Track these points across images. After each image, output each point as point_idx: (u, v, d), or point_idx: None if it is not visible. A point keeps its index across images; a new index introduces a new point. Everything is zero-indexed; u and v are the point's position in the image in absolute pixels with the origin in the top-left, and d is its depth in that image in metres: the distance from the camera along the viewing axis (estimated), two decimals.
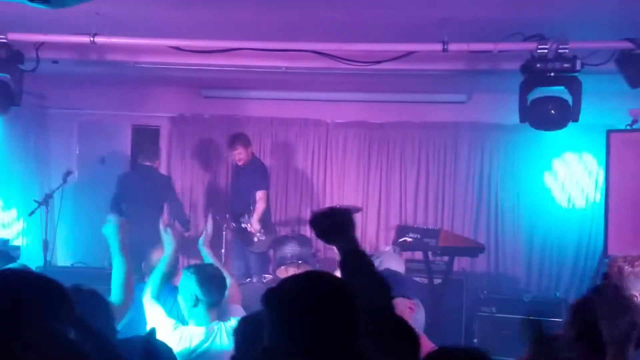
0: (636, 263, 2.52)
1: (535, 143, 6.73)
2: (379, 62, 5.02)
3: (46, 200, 6.39)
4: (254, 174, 6.67)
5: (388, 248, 6.44)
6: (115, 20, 4.64)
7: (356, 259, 1.89)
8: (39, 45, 4.96)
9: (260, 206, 6.50)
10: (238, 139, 6.67)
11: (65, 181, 6.54)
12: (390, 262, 4.77)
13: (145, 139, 7.59)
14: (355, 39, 4.79)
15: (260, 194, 6.54)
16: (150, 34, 4.83)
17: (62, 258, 7.38)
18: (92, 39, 4.72)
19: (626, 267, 2.53)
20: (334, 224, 2.10)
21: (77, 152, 7.53)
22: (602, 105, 6.04)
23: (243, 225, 6.51)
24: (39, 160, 7.27)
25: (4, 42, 4.71)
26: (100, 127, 7.36)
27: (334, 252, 6.11)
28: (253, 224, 6.41)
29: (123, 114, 7.49)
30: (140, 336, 2.48)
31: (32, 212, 6.39)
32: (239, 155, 6.62)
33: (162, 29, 4.85)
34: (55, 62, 5.36)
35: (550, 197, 7.01)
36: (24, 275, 1.68)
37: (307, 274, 1.64)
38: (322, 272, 1.65)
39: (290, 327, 1.46)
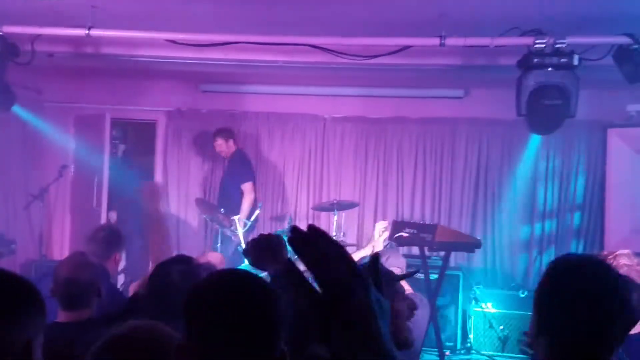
0: (609, 257, 2.52)
1: (532, 139, 6.72)
2: (376, 56, 5.00)
3: (42, 194, 6.39)
4: (234, 167, 6.70)
5: (386, 243, 6.44)
6: (112, 13, 4.62)
7: (284, 281, 1.84)
8: (34, 38, 4.92)
9: (246, 200, 6.48)
10: (218, 131, 6.74)
11: (61, 175, 6.53)
12: (398, 258, 4.76)
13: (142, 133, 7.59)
14: (352, 33, 4.77)
15: (245, 187, 6.54)
16: (146, 27, 4.81)
17: (58, 252, 7.36)
18: (87, 31, 4.68)
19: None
20: (265, 251, 2.14)
21: (73, 145, 7.50)
22: (600, 101, 6.03)
23: (228, 234, 6.49)
24: (34, 153, 7.24)
25: None
26: (95, 120, 7.32)
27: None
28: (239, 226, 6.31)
29: (119, 108, 7.46)
30: None
31: (28, 206, 6.38)
32: (219, 147, 6.71)
33: (158, 22, 4.83)
34: (50, 55, 5.33)
35: (547, 193, 7.00)
36: None
37: (228, 273, 1.58)
38: (240, 271, 1.59)
39: (207, 328, 1.40)
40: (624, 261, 2.48)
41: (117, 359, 1.61)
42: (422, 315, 3.64)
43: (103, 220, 6.75)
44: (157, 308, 2.44)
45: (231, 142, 6.75)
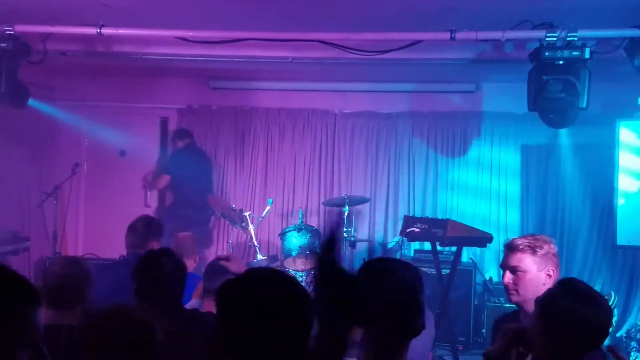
0: (528, 238, 2.70)
1: (544, 132, 6.68)
2: (386, 51, 4.99)
3: (55, 192, 6.44)
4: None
5: (396, 239, 6.44)
6: (122, 12, 4.65)
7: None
8: (46, 37, 4.96)
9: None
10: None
11: (74, 173, 6.58)
12: None
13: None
14: (362, 28, 4.76)
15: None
16: (157, 25, 4.83)
17: (72, 249, 7.43)
18: (99, 30, 4.72)
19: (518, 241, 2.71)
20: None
21: (86, 143, 7.55)
22: (611, 93, 5.98)
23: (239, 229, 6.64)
24: (47, 151, 7.30)
25: (11, 34, 4.71)
26: (108, 118, 7.37)
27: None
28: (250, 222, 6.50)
29: (131, 106, 7.50)
30: None
31: (41, 203, 6.43)
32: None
33: (168, 20, 4.85)
34: (63, 54, 5.37)
35: (560, 187, 6.97)
36: None
37: (267, 273, 1.63)
38: (275, 270, 1.65)
39: (241, 321, 1.47)
40: (526, 241, 2.67)
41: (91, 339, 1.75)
42: (429, 327, 3.63)
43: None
44: (153, 296, 2.69)
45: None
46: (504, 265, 2.76)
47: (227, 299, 1.52)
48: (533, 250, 2.66)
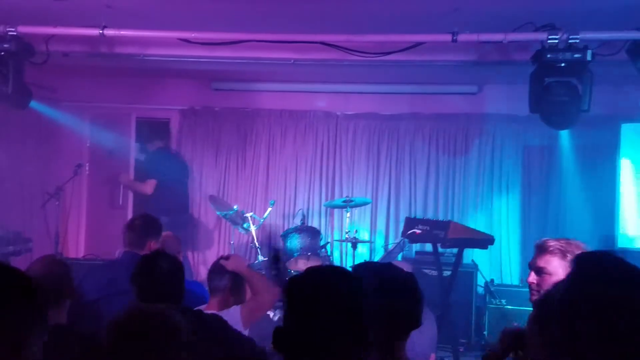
0: (562, 242, 2.62)
1: (546, 134, 6.69)
2: (388, 53, 5.00)
3: (57, 193, 6.45)
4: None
5: (398, 240, 6.44)
6: (125, 13, 4.66)
7: None
8: (48, 38, 4.97)
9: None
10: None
11: (76, 174, 6.59)
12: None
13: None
14: (364, 30, 4.77)
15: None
16: (159, 26, 4.84)
17: (74, 250, 7.44)
18: (101, 31, 4.73)
19: (550, 242, 2.64)
20: None
21: (88, 144, 7.56)
22: (614, 96, 5.98)
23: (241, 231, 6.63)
24: (50, 152, 7.32)
25: (13, 35, 4.72)
26: (110, 119, 7.38)
27: (344, 246, 6.08)
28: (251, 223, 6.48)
29: (133, 107, 7.51)
30: None
31: (44, 204, 6.44)
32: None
33: (171, 21, 4.86)
34: (65, 55, 5.38)
35: (562, 189, 6.96)
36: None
37: (330, 268, 1.81)
38: (341, 268, 1.79)
39: (305, 315, 1.61)
40: (557, 245, 2.59)
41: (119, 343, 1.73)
42: (428, 327, 3.64)
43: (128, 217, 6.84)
44: (154, 298, 2.70)
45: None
46: (532, 265, 2.70)
47: (292, 294, 1.66)
48: (563, 254, 2.60)
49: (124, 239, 3.78)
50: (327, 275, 1.70)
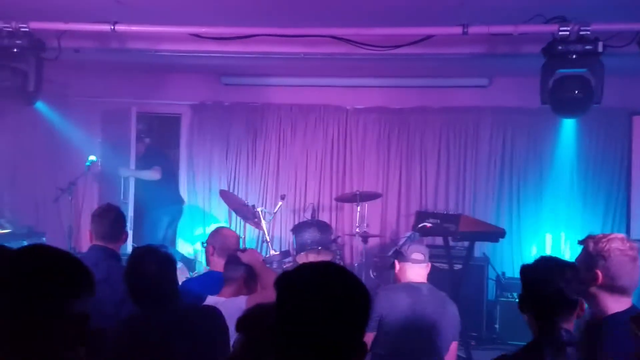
0: (603, 240, 2.51)
1: (557, 127, 6.66)
2: (397, 46, 4.99)
3: (69, 188, 6.50)
4: None
5: (409, 234, 6.43)
6: (136, 8, 4.68)
7: None
8: (60, 34, 5.00)
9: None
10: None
11: (88, 169, 6.64)
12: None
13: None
14: (373, 23, 4.76)
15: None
16: (169, 21, 4.86)
17: (86, 245, 7.47)
18: (112, 27, 4.74)
19: (591, 244, 2.54)
20: None
21: (100, 140, 7.62)
22: (625, 88, 5.94)
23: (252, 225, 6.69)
24: (63, 147, 7.37)
25: (25, 31, 4.75)
26: (122, 115, 7.42)
27: (354, 240, 6.07)
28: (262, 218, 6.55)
29: (145, 102, 7.55)
30: None
31: (57, 199, 6.49)
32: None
33: (181, 16, 4.88)
34: (77, 51, 5.41)
35: (574, 181, 6.93)
36: (41, 251, 1.62)
37: (324, 265, 1.63)
38: (339, 266, 1.65)
39: (298, 313, 1.50)
40: (616, 245, 2.48)
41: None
42: (453, 315, 3.66)
43: (131, 213, 6.88)
44: (144, 297, 2.70)
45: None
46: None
47: (283, 290, 1.55)
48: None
49: (93, 230, 3.50)
50: (320, 272, 1.58)
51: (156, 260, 2.75)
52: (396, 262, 3.82)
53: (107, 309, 3.06)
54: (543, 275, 2.27)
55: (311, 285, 1.52)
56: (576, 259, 2.57)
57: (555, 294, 2.22)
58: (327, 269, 1.59)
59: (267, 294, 3.37)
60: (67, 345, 1.50)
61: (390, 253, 4.01)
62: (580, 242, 2.64)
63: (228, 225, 7.59)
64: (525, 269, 2.32)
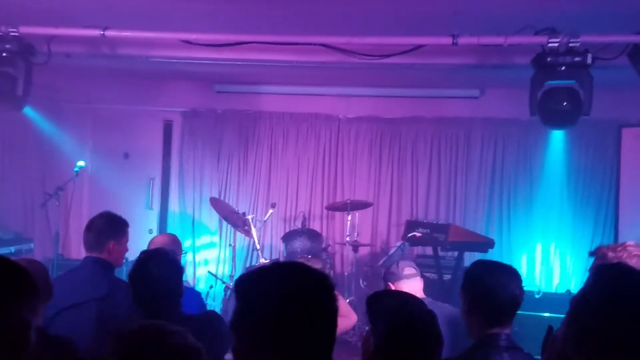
0: (618, 249, 2.53)
1: (547, 138, 6.68)
2: (388, 55, 5.00)
3: (57, 193, 6.45)
4: None
5: (399, 244, 6.42)
6: (127, 14, 4.67)
7: None
8: (50, 39, 4.98)
9: None
10: None
11: (76, 174, 6.60)
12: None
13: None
14: (364, 32, 4.77)
15: None
16: (161, 27, 4.85)
17: (75, 251, 7.44)
18: (102, 32, 4.73)
19: (609, 253, 2.54)
20: None
21: (91, 145, 7.58)
22: (614, 100, 5.97)
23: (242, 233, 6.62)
24: (51, 152, 7.34)
25: (15, 35, 4.73)
26: (113, 120, 7.40)
27: (345, 249, 6.01)
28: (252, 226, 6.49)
29: (136, 108, 7.53)
30: None
31: (44, 204, 6.45)
32: None
33: (173, 22, 4.87)
34: (68, 56, 5.39)
35: (564, 193, 6.95)
36: None
37: (278, 265, 1.61)
38: (296, 264, 1.63)
39: (251, 314, 1.47)
40: (636, 251, 2.50)
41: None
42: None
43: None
44: (146, 303, 2.65)
45: None
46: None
47: (243, 290, 1.52)
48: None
49: (83, 242, 3.41)
50: (280, 273, 1.53)
51: (163, 264, 2.70)
52: (389, 284, 3.61)
53: (109, 326, 2.96)
54: (500, 280, 2.30)
55: (266, 287, 1.49)
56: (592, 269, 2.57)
57: (510, 300, 2.27)
58: (293, 271, 1.56)
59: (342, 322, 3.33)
60: (3, 354, 1.44)
61: (382, 275, 3.90)
62: (592, 254, 2.64)
63: (218, 234, 7.57)
64: (479, 274, 2.37)
